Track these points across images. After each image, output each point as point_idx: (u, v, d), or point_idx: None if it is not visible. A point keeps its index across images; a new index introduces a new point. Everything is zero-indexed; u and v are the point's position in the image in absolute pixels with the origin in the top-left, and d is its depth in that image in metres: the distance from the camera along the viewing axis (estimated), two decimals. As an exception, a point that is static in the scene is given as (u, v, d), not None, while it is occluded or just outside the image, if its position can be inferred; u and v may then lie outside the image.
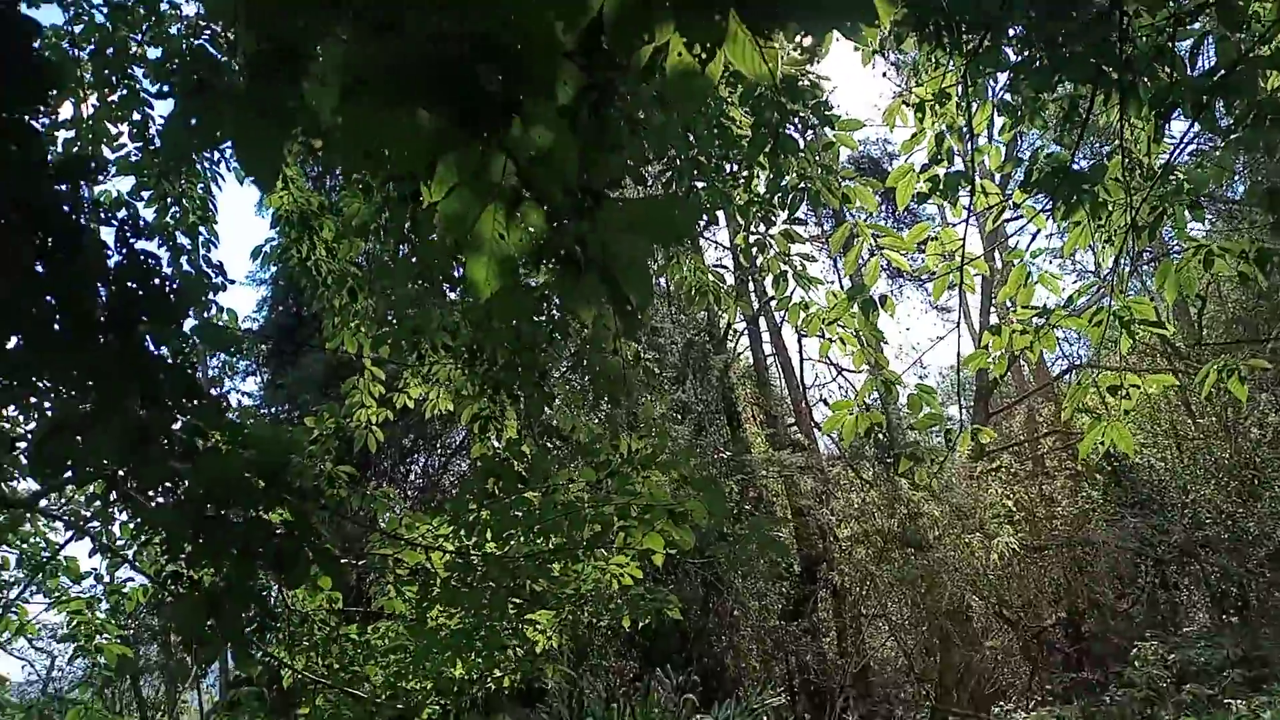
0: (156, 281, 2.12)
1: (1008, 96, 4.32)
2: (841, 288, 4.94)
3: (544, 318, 5.81)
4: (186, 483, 2.73)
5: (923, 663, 17.80)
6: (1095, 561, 15.94)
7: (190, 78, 1.51)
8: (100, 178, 4.91)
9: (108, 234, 2.31)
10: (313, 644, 5.39)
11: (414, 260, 5.63)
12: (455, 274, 5.47)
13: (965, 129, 4.21)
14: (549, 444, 6.05)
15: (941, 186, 4.26)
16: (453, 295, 5.96)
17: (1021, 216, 4.50)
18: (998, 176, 4.65)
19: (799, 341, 19.33)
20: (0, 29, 2.05)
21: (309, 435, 5.88)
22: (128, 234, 2.09)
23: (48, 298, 2.09)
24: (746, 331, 19.51)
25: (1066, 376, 19.08)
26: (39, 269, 2.05)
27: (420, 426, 17.16)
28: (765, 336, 19.91)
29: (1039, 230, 4.77)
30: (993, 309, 18.24)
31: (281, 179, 6.37)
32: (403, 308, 5.45)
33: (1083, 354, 20.12)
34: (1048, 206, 4.10)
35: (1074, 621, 16.40)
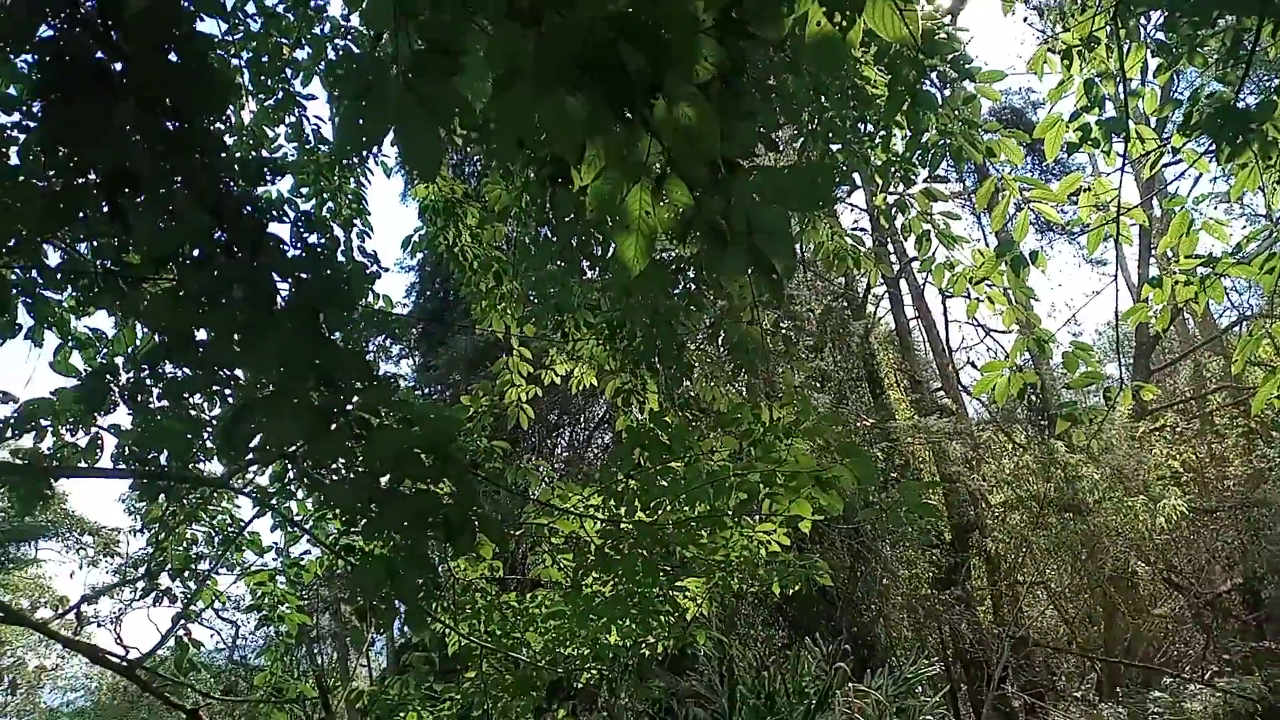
0: (330, 272, 2.29)
1: (1161, 36, 4.07)
2: (986, 245, 4.78)
3: (680, 291, 5.89)
4: (361, 459, 2.95)
5: (1085, 632, 17.10)
6: (1274, 524, 14.89)
7: (360, 78, 1.63)
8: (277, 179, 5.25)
9: (280, 229, 2.51)
10: (475, 611, 5.67)
11: (554, 241, 5.81)
12: (594, 252, 5.61)
13: (1117, 73, 3.99)
14: (689, 415, 6.12)
15: (1093, 135, 4.06)
16: (592, 273, 6.11)
17: (1181, 161, 4.23)
18: (1153, 121, 4.38)
19: (943, 303, 18.74)
20: (183, 46, 2.25)
21: (466, 413, 6.16)
22: (301, 230, 2.27)
23: (235, 292, 2.28)
24: (887, 295, 19.04)
25: (1236, 328, 17.80)
26: (226, 265, 2.25)
27: (564, 401, 17.63)
28: (906, 299, 19.39)
29: (1201, 175, 4.49)
30: (1152, 260, 17.18)
31: (427, 169, 6.65)
32: (546, 287, 5.61)
33: (1254, 304, 18.70)
34: (1210, 150, 3.85)
35: (1251, 588, 15.40)
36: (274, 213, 2.30)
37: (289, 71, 5.74)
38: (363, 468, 2.93)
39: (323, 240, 2.29)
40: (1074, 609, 17.13)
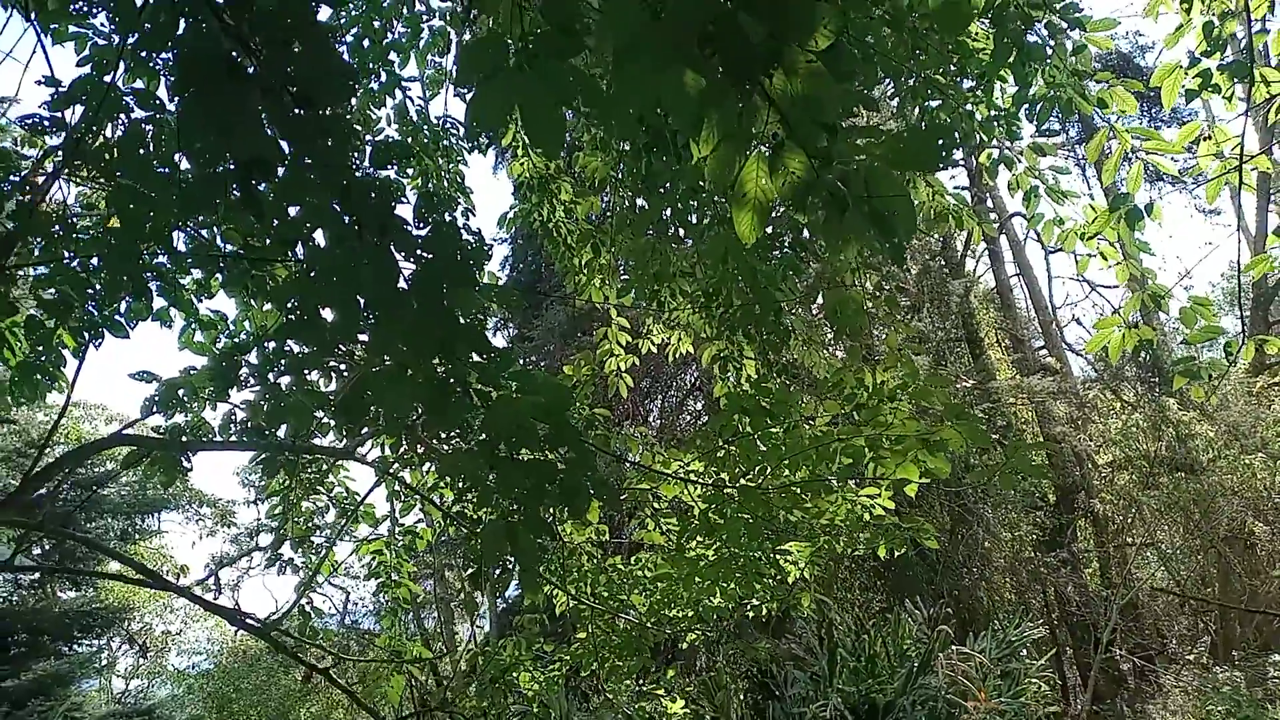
0: (453, 251, 2.38)
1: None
2: (1093, 199, 4.62)
3: (778, 256, 5.87)
4: (481, 429, 3.06)
5: (1198, 594, 16.54)
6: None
7: (485, 59, 1.69)
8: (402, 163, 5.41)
9: (402, 211, 2.61)
10: (581, 575, 5.82)
11: (650, 211, 5.86)
12: (690, 220, 5.64)
13: (1240, 12, 3.79)
14: (787, 381, 6.11)
15: (1214, 80, 3.88)
16: (687, 241, 6.13)
17: (1310, 104, 4.01)
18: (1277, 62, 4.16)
19: (1046, 260, 18.17)
20: (308, 35, 2.35)
21: (569, 382, 6.29)
22: (423, 210, 2.36)
23: (365, 272, 2.39)
24: (986, 253, 18.53)
25: (1366, 277, 16.76)
26: (356, 246, 2.36)
27: (656, 369, 17.73)
28: (1007, 256, 18.84)
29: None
30: (1273, 209, 16.30)
31: (521, 145, 6.76)
32: (644, 257, 5.66)
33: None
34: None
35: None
36: (398, 195, 2.40)
37: (392, 55, 5.88)
38: (483, 437, 3.05)
39: (445, 220, 2.37)
40: (1187, 570, 16.57)
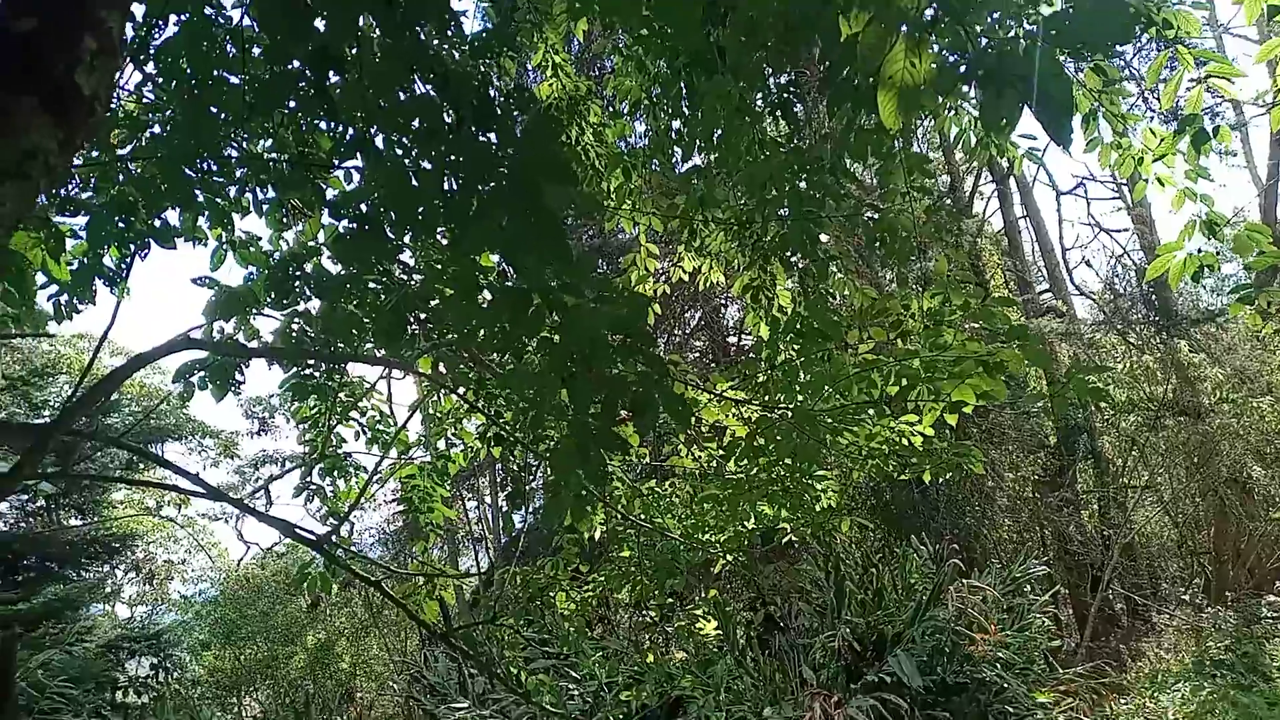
0: (551, 144, 2.31)
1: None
2: (1149, 124, 4.55)
3: (816, 180, 5.79)
4: (557, 340, 3.02)
5: (1195, 537, 16.80)
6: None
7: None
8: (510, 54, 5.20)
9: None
10: (616, 499, 5.84)
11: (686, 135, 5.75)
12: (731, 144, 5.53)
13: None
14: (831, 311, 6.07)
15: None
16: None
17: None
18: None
19: (1057, 200, 18.05)
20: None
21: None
22: (527, 102, 2.29)
23: (460, 168, 2.32)
24: (996, 194, 18.41)
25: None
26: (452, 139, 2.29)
27: (663, 309, 17.66)
28: (1016, 198, 18.72)
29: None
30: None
31: (550, 66, 6.62)
32: (687, 181, 5.57)
33: None
34: None
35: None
36: (494, 88, 2.32)
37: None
38: (557, 348, 3.00)
39: (543, 113, 2.29)
40: (1185, 513, 16.81)
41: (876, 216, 5.07)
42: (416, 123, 2.34)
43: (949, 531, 14.56)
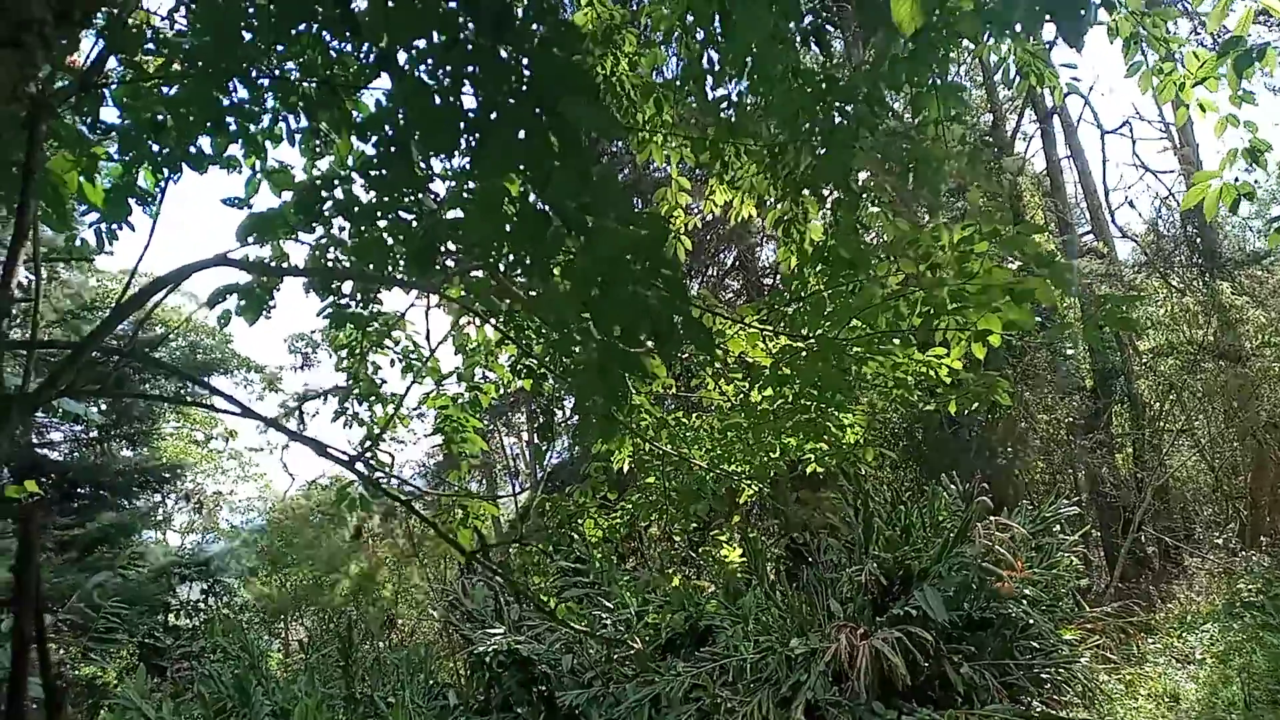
0: (570, 53, 2.30)
1: None
2: (1192, 49, 4.42)
3: (850, 108, 5.70)
4: (577, 261, 3.04)
5: (1230, 481, 16.62)
6: None
7: None
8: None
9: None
10: (643, 428, 5.91)
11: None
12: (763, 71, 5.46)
13: None
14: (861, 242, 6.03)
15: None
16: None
17: None
18: None
19: (1102, 140, 17.60)
20: None
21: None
22: (547, 13, 2.28)
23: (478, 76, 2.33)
24: (1040, 133, 17.97)
25: None
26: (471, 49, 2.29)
27: (697, 247, 17.58)
28: (1060, 138, 18.25)
29: None
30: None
31: (583, -7, 6.54)
32: (717, 111, 5.52)
33: None
34: None
35: None
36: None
37: None
38: (579, 270, 3.03)
39: (562, 19, 2.28)
40: (1221, 457, 16.62)
41: (909, 147, 4.99)
42: (435, 36, 2.35)
43: (980, 472, 14.56)
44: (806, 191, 6.05)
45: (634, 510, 6.05)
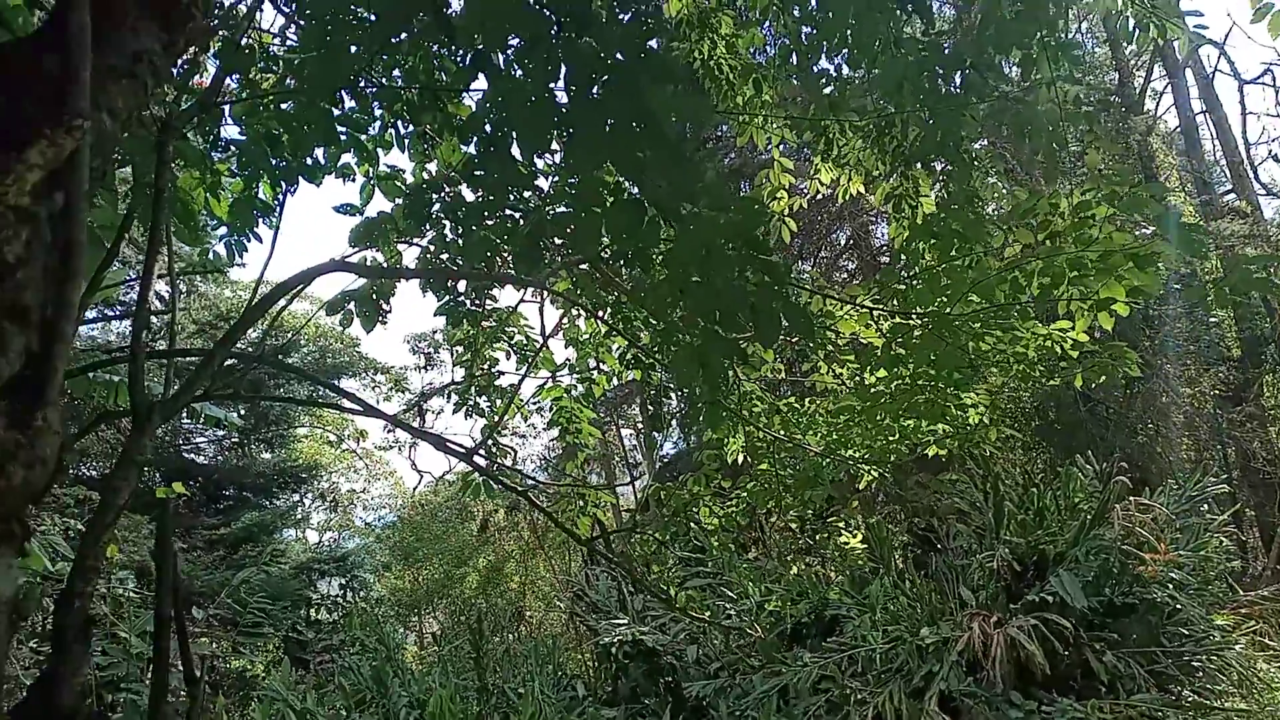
0: (653, 44, 2.30)
1: None
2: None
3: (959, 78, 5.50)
4: (673, 250, 3.04)
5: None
6: None
7: None
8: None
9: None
10: (755, 415, 5.86)
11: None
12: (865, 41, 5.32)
13: None
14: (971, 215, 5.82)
15: None
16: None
17: None
18: None
19: (1240, 91, 16.45)
20: None
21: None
22: (630, 4, 2.28)
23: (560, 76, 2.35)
24: (1170, 88, 16.94)
25: None
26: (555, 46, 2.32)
27: (808, 228, 17.34)
28: (1193, 93, 17.15)
29: None
30: None
31: (680, -20, 6.51)
32: (818, 86, 5.42)
33: None
34: None
35: None
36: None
37: None
38: (672, 258, 3.02)
39: (644, 7, 2.27)
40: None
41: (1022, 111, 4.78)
42: (524, 35, 2.38)
43: (1119, 450, 13.84)
44: (916, 165, 5.88)
45: (750, 498, 6.00)
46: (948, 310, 4.09)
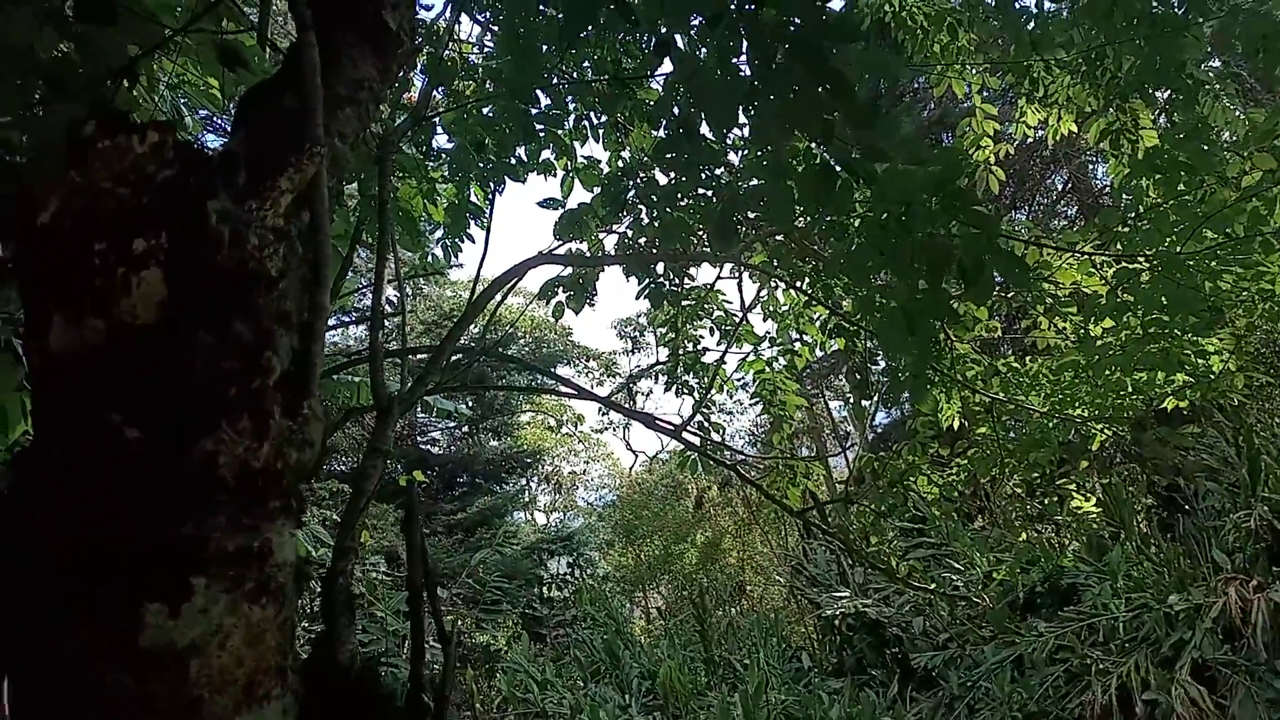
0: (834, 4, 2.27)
1: None
2: None
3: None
4: (869, 209, 2.99)
5: None
6: None
7: None
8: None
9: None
10: (971, 380, 5.63)
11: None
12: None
13: None
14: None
15: None
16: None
17: None
18: None
19: None
20: None
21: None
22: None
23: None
24: None
25: None
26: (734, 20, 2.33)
27: (1018, 177, 16.37)
28: None
29: None
30: None
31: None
32: (1016, 22, 5.12)
33: None
34: None
35: None
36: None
37: None
38: (869, 217, 2.97)
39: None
40: None
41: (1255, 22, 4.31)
42: (703, 12, 2.41)
43: None
44: (1134, 96, 5.44)
45: (970, 465, 5.78)
46: (1178, 249, 3.77)
